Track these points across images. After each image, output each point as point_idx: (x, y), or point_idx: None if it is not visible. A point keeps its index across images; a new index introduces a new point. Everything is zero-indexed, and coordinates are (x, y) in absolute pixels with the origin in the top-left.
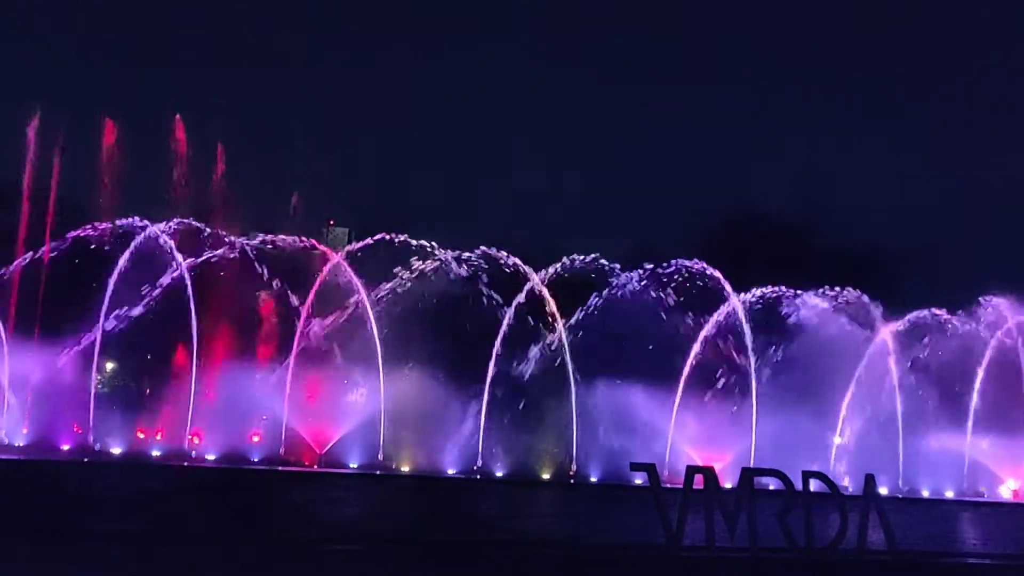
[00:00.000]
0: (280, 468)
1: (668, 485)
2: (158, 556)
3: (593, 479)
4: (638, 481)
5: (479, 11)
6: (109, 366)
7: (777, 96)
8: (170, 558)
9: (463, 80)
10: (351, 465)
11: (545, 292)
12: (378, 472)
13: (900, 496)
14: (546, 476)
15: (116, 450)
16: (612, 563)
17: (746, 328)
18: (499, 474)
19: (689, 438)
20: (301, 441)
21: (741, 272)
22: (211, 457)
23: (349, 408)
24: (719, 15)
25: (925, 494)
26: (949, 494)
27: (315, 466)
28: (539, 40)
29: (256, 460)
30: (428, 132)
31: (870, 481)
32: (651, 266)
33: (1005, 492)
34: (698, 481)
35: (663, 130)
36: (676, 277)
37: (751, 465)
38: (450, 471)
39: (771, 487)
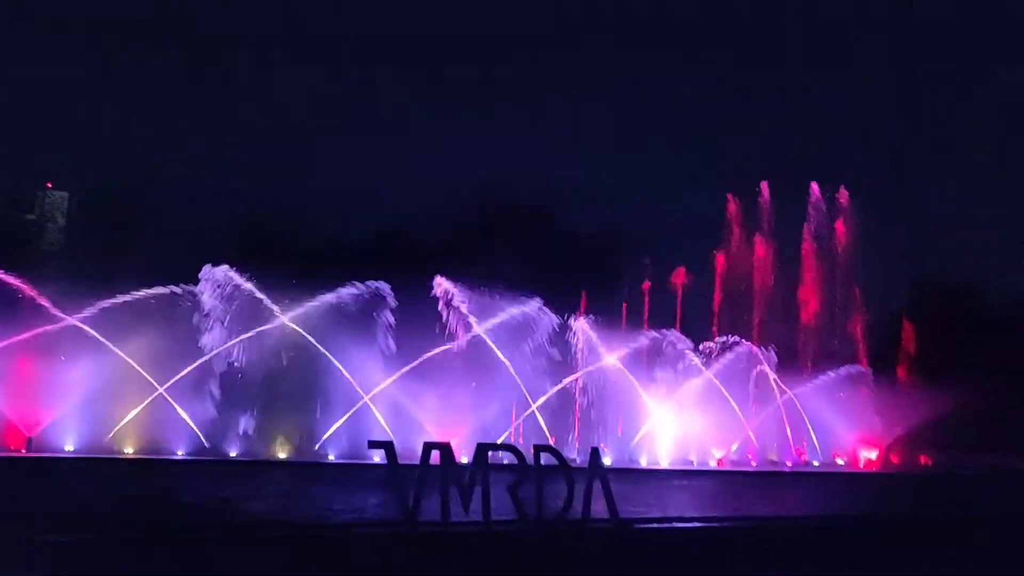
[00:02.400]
0: None
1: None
2: None
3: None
4: (376, 458)
5: None
6: None
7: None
8: None
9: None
10: (67, 448)
11: None
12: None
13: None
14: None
15: None
16: (347, 542)
17: None
18: (232, 454)
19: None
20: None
21: (488, 252)
22: None
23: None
24: None
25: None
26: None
27: (23, 450)
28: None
29: None
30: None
31: (595, 454)
32: None
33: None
34: (435, 457)
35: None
36: None
37: None
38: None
39: (505, 461)
